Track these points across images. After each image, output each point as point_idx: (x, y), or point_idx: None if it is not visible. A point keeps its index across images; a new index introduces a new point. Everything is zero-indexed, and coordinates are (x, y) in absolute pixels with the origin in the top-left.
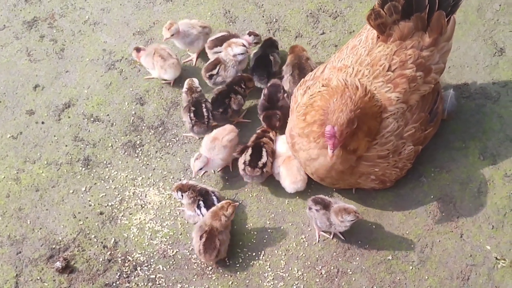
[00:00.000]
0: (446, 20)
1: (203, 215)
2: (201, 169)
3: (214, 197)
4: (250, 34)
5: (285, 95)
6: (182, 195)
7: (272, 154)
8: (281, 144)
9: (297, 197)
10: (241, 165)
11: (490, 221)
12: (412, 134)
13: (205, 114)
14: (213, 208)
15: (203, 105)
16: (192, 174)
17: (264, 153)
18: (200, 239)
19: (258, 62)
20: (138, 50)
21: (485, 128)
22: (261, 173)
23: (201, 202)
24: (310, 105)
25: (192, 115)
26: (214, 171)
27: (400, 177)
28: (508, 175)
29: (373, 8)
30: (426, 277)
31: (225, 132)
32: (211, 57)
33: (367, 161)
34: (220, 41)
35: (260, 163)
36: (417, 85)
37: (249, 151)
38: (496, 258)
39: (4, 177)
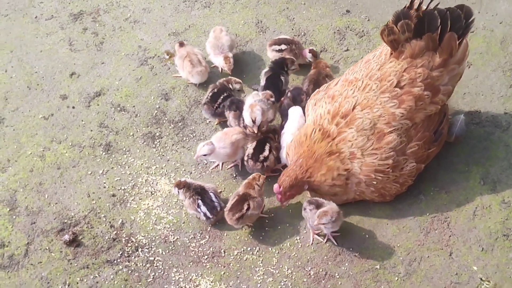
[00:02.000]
0: (457, 42)
1: (204, 213)
2: (205, 155)
3: (211, 193)
4: (310, 51)
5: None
6: (178, 192)
7: (277, 149)
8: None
9: (298, 200)
10: (245, 158)
11: (481, 243)
12: (415, 151)
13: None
14: (246, 180)
15: None
16: (201, 167)
17: (266, 147)
18: (233, 199)
19: (269, 81)
20: (181, 44)
21: (490, 155)
22: (261, 167)
23: (199, 201)
24: (289, 148)
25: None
26: (222, 167)
27: (400, 192)
28: (505, 201)
29: (387, 24)
30: None
31: (235, 132)
32: (270, 54)
33: (362, 174)
34: (281, 41)
35: (261, 157)
36: (424, 104)
37: (253, 144)
38: (481, 279)
39: (31, 153)
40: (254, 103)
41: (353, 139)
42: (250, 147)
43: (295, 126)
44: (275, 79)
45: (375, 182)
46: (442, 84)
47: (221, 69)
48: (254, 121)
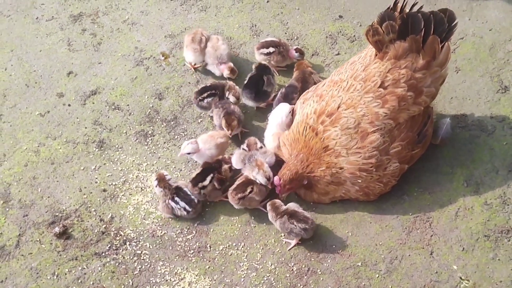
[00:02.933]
0: (440, 45)
1: (183, 207)
2: (188, 153)
3: (185, 189)
4: (297, 50)
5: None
6: (157, 185)
7: (219, 180)
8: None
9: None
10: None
11: (462, 243)
12: (398, 151)
13: None
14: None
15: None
16: (191, 165)
17: (208, 177)
18: (239, 180)
19: (250, 80)
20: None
21: (475, 158)
22: (198, 193)
23: (177, 198)
24: (285, 138)
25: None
26: None
27: (384, 192)
28: (488, 203)
29: (372, 24)
30: (390, 286)
31: (220, 135)
32: (258, 58)
33: (346, 171)
34: (268, 44)
35: (200, 185)
36: (407, 105)
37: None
38: (461, 278)
39: (26, 148)
40: (260, 163)
41: (337, 138)
42: (195, 172)
43: (278, 122)
44: (257, 79)
45: (359, 181)
46: (425, 86)
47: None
48: (269, 179)
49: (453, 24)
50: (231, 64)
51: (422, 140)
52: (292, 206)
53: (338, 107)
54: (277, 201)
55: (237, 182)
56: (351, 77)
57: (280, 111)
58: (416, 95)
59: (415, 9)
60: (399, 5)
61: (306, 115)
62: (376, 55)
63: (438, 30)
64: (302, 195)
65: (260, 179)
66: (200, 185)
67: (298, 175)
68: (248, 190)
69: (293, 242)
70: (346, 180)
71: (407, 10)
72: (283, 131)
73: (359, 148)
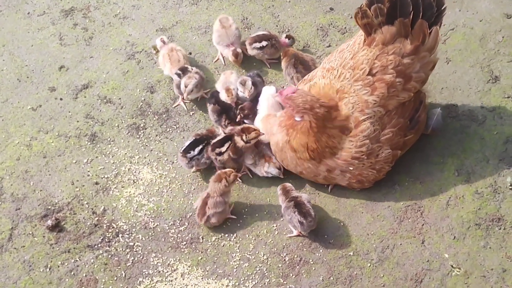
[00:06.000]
0: (429, 30)
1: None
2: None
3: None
4: (287, 37)
5: None
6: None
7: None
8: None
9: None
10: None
11: (453, 232)
12: (389, 138)
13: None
14: (218, 171)
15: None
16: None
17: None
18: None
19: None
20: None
21: (465, 147)
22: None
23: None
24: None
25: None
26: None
27: (378, 178)
28: (479, 192)
29: (361, 6)
30: (382, 275)
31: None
32: (251, 52)
33: (339, 158)
34: (260, 38)
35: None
36: (396, 91)
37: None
38: (452, 266)
39: (18, 142)
40: (268, 157)
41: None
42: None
43: (269, 103)
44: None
45: (351, 168)
46: (414, 72)
47: (224, 61)
48: (280, 169)
49: (442, 8)
50: (238, 49)
51: (414, 126)
52: (304, 197)
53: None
54: (287, 184)
55: (196, 204)
56: (340, 65)
57: (266, 93)
58: (405, 81)
59: None
60: None
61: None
62: (365, 41)
63: (427, 14)
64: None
65: (272, 171)
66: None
67: (308, 107)
68: (207, 210)
69: (295, 232)
70: (333, 167)
71: None
72: (275, 112)
73: (352, 136)
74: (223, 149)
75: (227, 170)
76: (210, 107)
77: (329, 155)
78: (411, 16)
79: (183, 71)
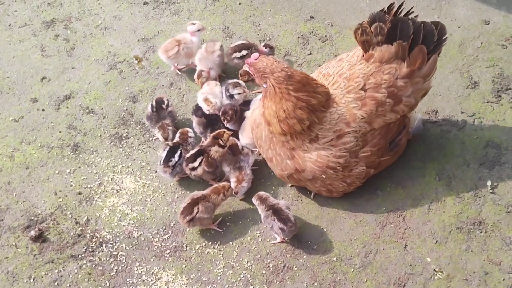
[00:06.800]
0: (426, 57)
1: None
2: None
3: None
4: (266, 46)
5: None
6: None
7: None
8: None
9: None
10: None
11: (435, 236)
12: (367, 156)
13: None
14: (216, 185)
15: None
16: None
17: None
18: (186, 202)
19: None
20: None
21: (446, 152)
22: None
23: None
24: None
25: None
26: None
27: (347, 191)
28: (460, 196)
29: (362, 23)
30: (365, 280)
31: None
32: (231, 63)
33: (312, 162)
34: (240, 48)
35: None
36: (384, 111)
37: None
38: (434, 270)
39: (0, 153)
40: (241, 176)
41: (321, 123)
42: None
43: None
44: None
45: (324, 176)
46: (405, 95)
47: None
48: (236, 194)
49: (443, 38)
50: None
51: (393, 149)
52: (282, 203)
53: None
54: (262, 193)
55: (182, 205)
56: (337, 73)
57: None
58: (395, 102)
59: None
60: (394, 10)
61: None
62: (363, 56)
63: (427, 41)
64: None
65: (232, 184)
66: (190, 166)
67: (269, 69)
68: (195, 211)
69: (278, 238)
70: (303, 169)
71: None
72: None
73: (332, 145)
74: (196, 164)
75: (225, 184)
76: (195, 120)
77: (300, 136)
78: (411, 40)
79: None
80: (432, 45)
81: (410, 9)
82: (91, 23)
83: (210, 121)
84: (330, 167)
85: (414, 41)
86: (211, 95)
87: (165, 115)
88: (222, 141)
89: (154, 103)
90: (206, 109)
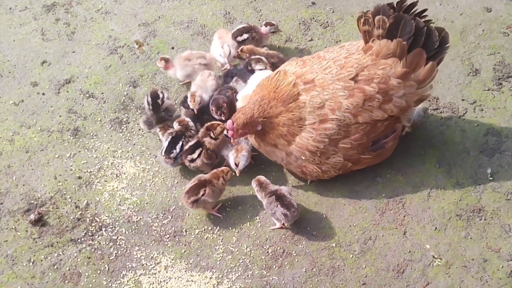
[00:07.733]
0: (424, 61)
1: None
2: None
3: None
4: (266, 24)
5: None
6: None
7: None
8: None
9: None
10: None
11: (435, 223)
12: (346, 148)
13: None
14: (215, 170)
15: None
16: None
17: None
18: (192, 182)
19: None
20: (166, 61)
21: (446, 139)
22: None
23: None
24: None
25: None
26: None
27: (320, 178)
28: (459, 183)
29: (366, 12)
30: (364, 266)
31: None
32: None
33: (294, 143)
34: (240, 32)
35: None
36: (371, 107)
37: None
38: (433, 257)
39: (0, 137)
40: (240, 146)
41: (306, 103)
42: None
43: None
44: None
45: (303, 158)
46: (396, 96)
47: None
48: (237, 165)
49: (445, 46)
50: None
51: (376, 150)
52: (284, 189)
53: (313, 80)
54: (261, 177)
55: (189, 185)
56: (332, 59)
57: (261, 75)
58: (384, 100)
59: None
60: (404, 6)
61: (284, 69)
62: (363, 47)
63: (428, 45)
64: (257, 146)
65: (230, 160)
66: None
67: (253, 119)
68: (201, 193)
69: (277, 224)
70: (290, 152)
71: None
72: None
73: (314, 129)
74: (195, 155)
75: (224, 169)
76: (183, 111)
77: (299, 130)
78: (410, 41)
79: None
80: (433, 51)
81: (424, 11)
82: (92, 7)
83: (199, 112)
84: (309, 150)
85: (415, 43)
86: (200, 90)
87: (163, 114)
88: (214, 134)
89: (149, 100)
90: (188, 102)
